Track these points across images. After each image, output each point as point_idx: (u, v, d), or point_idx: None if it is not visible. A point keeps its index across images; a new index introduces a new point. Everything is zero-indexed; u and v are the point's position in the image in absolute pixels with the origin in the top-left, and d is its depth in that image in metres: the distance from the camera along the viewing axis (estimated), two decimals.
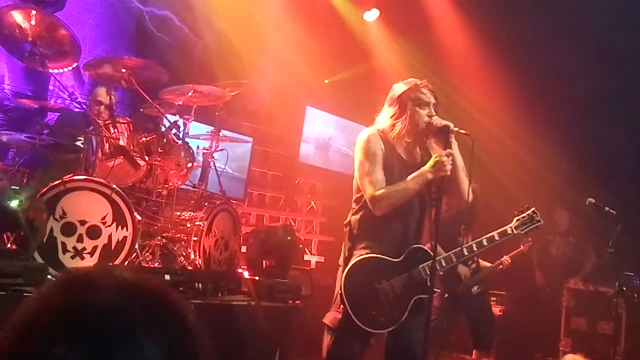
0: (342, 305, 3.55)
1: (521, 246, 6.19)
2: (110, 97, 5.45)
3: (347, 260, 3.63)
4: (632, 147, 8.12)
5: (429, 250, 3.65)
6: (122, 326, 0.99)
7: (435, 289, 3.60)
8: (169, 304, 1.08)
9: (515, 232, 3.83)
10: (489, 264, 6.19)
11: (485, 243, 3.79)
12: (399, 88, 3.75)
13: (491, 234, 3.83)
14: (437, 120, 3.63)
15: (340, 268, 3.67)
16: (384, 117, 3.75)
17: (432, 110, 3.68)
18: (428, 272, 3.60)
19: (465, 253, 3.78)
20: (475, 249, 3.78)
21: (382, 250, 3.60)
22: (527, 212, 3.85)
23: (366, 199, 3.60)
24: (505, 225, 3.87)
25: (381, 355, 3.75)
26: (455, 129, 3.57)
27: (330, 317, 3.66)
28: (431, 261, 3.54)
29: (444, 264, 3.71)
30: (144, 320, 1.01)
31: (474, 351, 6.23)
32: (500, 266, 6.17)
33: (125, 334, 0.98)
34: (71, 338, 0.96)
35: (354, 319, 3.50)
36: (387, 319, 3.59)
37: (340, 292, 3.56)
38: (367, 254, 3.60)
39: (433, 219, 3.60)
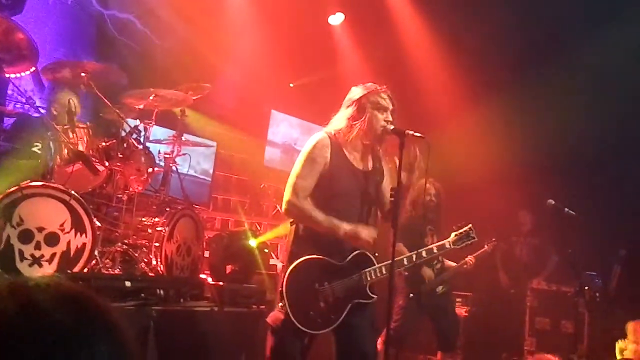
0: (282, 305, 3.57)
1: (485, 246, 6.23)
2: (69, 101, 5.35)
3: (291, 259, 3.65)
4: (595, 149, 8.24)
5: (371, 256, 3.74)
6: (70, 344, 0.95)
7: (373, 295, 3.69)
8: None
9: (452, 246, 4.05)
10: (453, 264, 6.23)
11: (424, 254, 3.92)
12: (358, 91, 3.78)
13: (430, 246, 4.01)
14: (391, 126, 3.67)
15: (283, 267, 3.70)
16: (341, 118, 3.77)
17: (390, 116, 3.70)
18: (369, 278, 3.68)
19: (405, 263, 3.87)
20: (414, 259, 3.87)
21: (325, 252, 3.63)
22: (464, 229, 4.07)
23: (284, 198, 3.65)
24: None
25: (330, 357, 3.78)
26: (411, 132, 3.58)
27: (273, 316, 3.68)
28: (373, 267, 3.68)
29: (384, 272, 3.71)
30: (91, 334, 0.97)
31: (438, 352, 6.26)
32: (465, 266, 6.21)
33: (74, 351, 0.94)
34: None
35: (291, 317, 3.52)
36: (323, 321, 3.62)
37: (280, 290, 3.57)
38: (311, 254, 3.62)
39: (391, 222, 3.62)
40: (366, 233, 3.63)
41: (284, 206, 3.67)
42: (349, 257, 3.68)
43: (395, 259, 3.71)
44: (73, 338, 0.96)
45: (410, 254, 3.88)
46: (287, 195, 3.64)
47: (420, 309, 5.92)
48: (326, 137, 3.70)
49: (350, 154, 3.74)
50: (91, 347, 0.97)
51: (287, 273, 3.60)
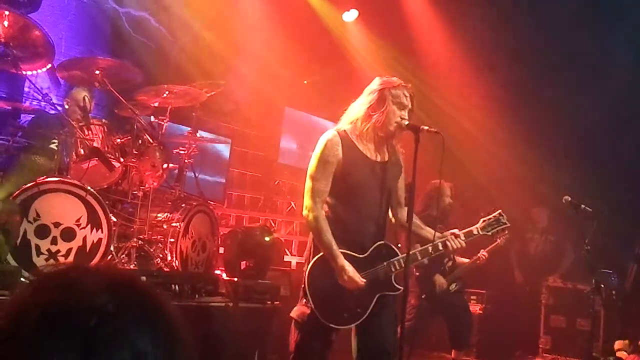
0: (306, 300, 3.56)
1: (497, 240, 6.16)
2: (84, 99, 5.39)
3: (312, 254, 3.64)
4: (610, 145, 8.19)
5: (394, 247, 3.69)
6: (109, 328, 0.94)
7: (399, 287, 3.63)
8: (152, 303, 1.03)
9: (480, 232, 3.88)
10: (466, 260, 6.20)
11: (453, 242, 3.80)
12: (381, 82, 3.74)
13: (457, 232, 3.84)
14: (406, 121, 3.65)
15: (305, 261, 3.69)
16: (360, 106, 3.73)
17: (406, 115, 3.68)
18: (393, 269, 3.63)
19: (431, 251, 3.75)
20: (440, 247, 3.75)
21: (346, 245, 3.59)
22: (494, 214, 3.92)
23: (304, 202, 3.63)
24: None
25: (349, 353, 3.74)
26: (426, 127, 3.57)
27: (298, 311, 3.65)
28: (397, 258, 3.63)
29: (413, 260, 3.69)
30: (132, 321, 0.97)
31: (452, 350, 6.24)
32: (478, 261, 6.17)
33: (112, 335, 0.94)
34: (55, 343, 0.92)
35: (317, 314, 3.51)
36: (350, 315, 3.60)
37: (303, 286, 3.56)
38: None
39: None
40: (350, 276, 3.51)
41: (304, 211, 3.64)
42: (372, 248, 3.65)
43: (422, 248, 3.72)
44: (113, 322, 0.96)
45: (437, 241, 3.74)
46: (306, 200, 3.63)
47: (433, 308, 5.90)
48: (335, 135, 3.68)
49: (363, 146, 3.70)
50: (130, 334, 0.96)
51: (309, 267, 3.59)
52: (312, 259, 3.61)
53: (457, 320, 6.11)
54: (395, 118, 3.65)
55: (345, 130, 3.72)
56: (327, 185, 3.63)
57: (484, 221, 3.91)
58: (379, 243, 3.69)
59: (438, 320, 6.29)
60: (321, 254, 3.59)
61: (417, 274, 5.82)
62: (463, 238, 3.80)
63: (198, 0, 7.77)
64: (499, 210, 3.94)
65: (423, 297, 5.78)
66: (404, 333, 3.59)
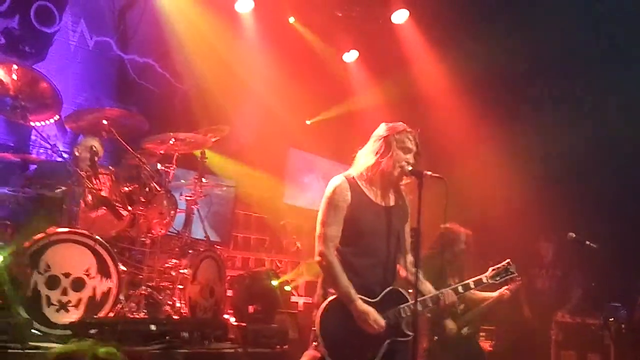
0: (317, 344, 3.56)
1: (518, 280, 6.08)
2: (92, 148, 5.45)
3: (323, 298, 3.66)
4: (614, 180, 8.22)
5: (404, 293, 3.72)
6: None
7: (409, 333, 3.65)
8: None
9: (489, 281, 4.01)
10: (490, 294, 6.11)
11: (460, 290, 3.88)
12: (386, 127, 3.82)
13: (467, 281, 3.96)
14: (409, 166, 3.72)
15: (316, 303, 3.71)
16: (368, 152, 3.79)
17: (412, 159, 3.75)
18: (403, 315, 3.66)
19: (441, 298, 3.79)
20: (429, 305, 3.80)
21: (357, 290, 3.61)
22: (503, 263, 4.05)
23: (316, 248, 3.67)
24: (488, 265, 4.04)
25: None
26: (429, 173, 3.63)
27: (309, 356, 3.65)
28: (407, 304, 3.66)
29: (420, 308, 3.70)
30: None
31: None
32: (503, 298, 6.09)
33: None
34: None
35: (328, 357, 3.51)
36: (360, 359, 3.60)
37: (315, 329, 3.57)
38: None
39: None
40: (375, 318, 3.57)
41: (316, 257, 3.67)
42: (382, 293, 3.67)
43: (432, 294, 3.76)
44: None
45: (446, 289, 3.82)
46: (318, 246, 3.67)
47: (444, 352, 5.84)
48: (344, 181, 3.74)
49: (370, 192, 3.76)
50: None
51: (321, 312, 3.59)
52: (324, 300, 3.62)
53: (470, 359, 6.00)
54: (400, 162, 3.72)
55: (353, 177, 3.77)
56: (338, 230, 3.67)
57: (493, 270, 4.03)
58: (389, 288, 3.71)
59: None
60: (332, 297, 3.61)
61: (429, 315, 5.79)
62: (472, 286, 3.92)
63: (201, 45, 7.91)
64: (508, 260, 4.06)
65: (435, 339, 5.73)
66: None
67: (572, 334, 7.63)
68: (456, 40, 8.49)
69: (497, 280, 4.01)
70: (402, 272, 3.84)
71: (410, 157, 3.74)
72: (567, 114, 8.16)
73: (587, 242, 5.54)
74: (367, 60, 9.32)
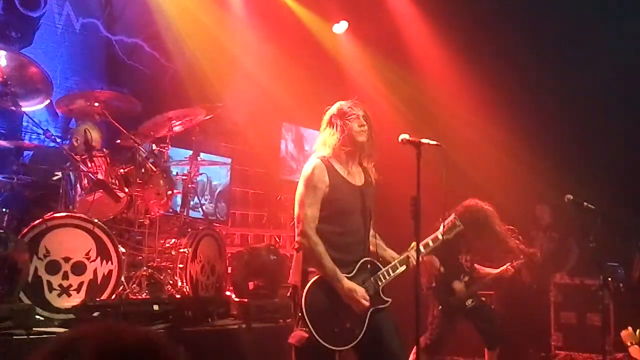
0: (303, 324, 3.60)
1: (521, 257, 6.10)
2: (85, 132, 5.42)
3: (304, 278, 3.69)
4: (608, 142, 8.23)
5: (377, 262, 3.84)
6: None
7: (387, 299, 3.77)
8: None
9: (445, 237, 4.07)
10: (493, 271, 6.13)
11: (422, 249, 3.92)
12: (333, 107, 3.89)
13: (426, 239, 4.02)
14: (405, 136, 3.73)
15: (296, 286, 3.73)
16: (327, 135, 3.85)
17: (363, 121, 3.79)
18: (379, 283, 3.76)
19: (410, 259, 3.86)
20: (415, 257, 3.85)
21: (337, 266, 3.66)
22: (450, 218, 4.16)
23: (298, 228, 3.71)
24: None
25: None
26: (426, 141, 3.64)
27: (297, 336, 3.67)
28: (381, 270, 3.80)
29: (391, 274, 3.81)
30: None
31: (485, 352, 6.08)
32: (506, 274, 6.13)
33: None
34: None
35: (317, 338, 3.55)
36: (348, 336, 3.67)
37: (300, 312, 3.60)
38: None
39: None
40: (363, 294, 3.66)
41: (298, 237, 3.72)
42: (356, 267, 3.75)
43: (401, 257, 3.86)
44: None
45: (406, 253, 3.88)
46: (299, 226, 3.71)
47: (452, 318, 5.85)
48: (321, 162, 3.78)
49: (344, 172, 3.82)
50: None
51: (304, 294, 3.62)
52: (305, 281, 3.65)
53: (482, 322, 5.97)
54: (357, 131, 3.77)
55: (327, 158, 3.80)
56: (317, 210, 3.72)
57: (444, 226, 4.09)
58: (362, 260, 3.79)
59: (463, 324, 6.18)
60: (315, 278, 3.65)
61: (434, 285, 5.81)
62: (432, 244, 4.01)
63: (190, 22, 7.83)
64: (453, 214, 4.21)
65: (440, 308, 5.75)
66: (419, 347, 3.62)
67: (572, 295, 7.71)
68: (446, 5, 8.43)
69: (449, 235, 4.07)
70: (372, 247, 3.93)
71: (359, 120, 3.78)
72: (576, 76, 8.12)
73: (585, 204, 5.56)
74: (357, 31, 9.25)
